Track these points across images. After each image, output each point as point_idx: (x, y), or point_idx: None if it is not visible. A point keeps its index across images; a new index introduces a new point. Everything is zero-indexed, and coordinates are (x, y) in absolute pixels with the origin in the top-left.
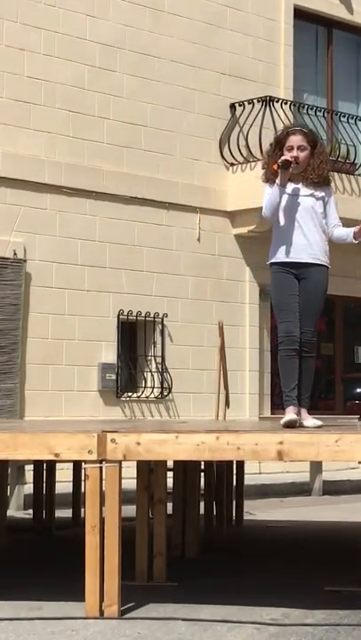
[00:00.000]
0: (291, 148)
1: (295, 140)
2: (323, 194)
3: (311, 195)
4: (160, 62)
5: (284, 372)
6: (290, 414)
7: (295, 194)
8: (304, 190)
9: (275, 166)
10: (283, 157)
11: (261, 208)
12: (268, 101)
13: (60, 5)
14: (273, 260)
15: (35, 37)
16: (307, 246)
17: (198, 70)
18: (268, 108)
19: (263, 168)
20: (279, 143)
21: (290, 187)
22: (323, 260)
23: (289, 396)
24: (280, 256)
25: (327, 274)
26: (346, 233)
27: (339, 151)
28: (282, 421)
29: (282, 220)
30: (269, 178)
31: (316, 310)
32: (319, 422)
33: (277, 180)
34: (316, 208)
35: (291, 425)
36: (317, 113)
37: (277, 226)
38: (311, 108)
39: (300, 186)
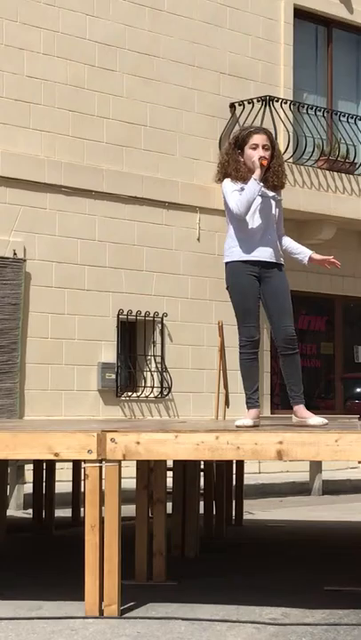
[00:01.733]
0: (255, 147)
1: (260, 138)
2: (280, 198)
3: (273, 197)
4: (160, 62)
5: (245, 375)
6: (248, 419)
7: (260, 195)
8: (267, 192)
9: (264, 162)
10: (261, 155)
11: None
12: (267, 101)
13: (59, 5)
14: (236, 259)
15: (34, 37)
16: (270, 246)
17: (198, 70)
18: (268, 107)
19: (222, 167)
20: (239, 142)
21: None
22: (282, 260)
23: (251, 398)
24: (245, 255)
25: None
26: (297, 248)
27: (339, 151)
28: (237, 422)
29: (247, 219)
30: (229, 174)
31: (290, 306)
32: (325, 420)
33: (255, 176)
34: (274, 211)
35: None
36: (317, 112)
37: (239, 224)
38: (311, 108)
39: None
